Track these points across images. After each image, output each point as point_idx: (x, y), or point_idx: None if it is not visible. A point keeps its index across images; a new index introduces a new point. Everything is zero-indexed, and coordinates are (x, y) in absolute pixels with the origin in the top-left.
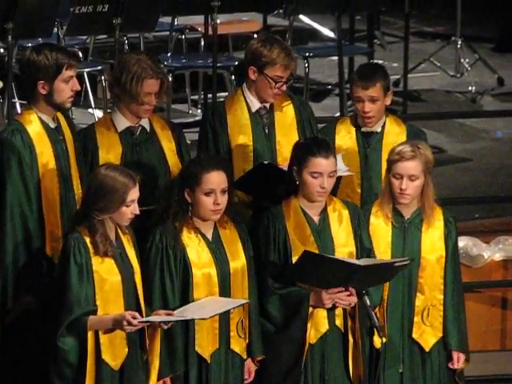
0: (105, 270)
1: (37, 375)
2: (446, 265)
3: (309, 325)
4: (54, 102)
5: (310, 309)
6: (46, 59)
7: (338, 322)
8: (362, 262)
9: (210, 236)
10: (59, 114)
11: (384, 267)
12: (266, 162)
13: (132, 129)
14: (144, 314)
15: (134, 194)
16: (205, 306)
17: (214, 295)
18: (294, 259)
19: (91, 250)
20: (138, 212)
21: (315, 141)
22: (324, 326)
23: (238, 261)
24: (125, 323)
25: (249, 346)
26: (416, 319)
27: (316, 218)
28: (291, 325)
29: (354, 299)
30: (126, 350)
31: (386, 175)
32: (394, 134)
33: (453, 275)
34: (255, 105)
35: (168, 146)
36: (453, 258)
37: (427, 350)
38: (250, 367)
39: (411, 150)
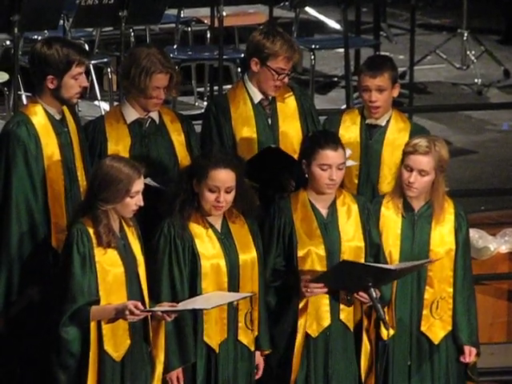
0: (108, 261)
1: (41, 367)
2: (456, 258)
3: (303, 319)
4: (60, 97)
5: (312, 301)
6: (56, 54)
7: (343, 316)
8: (395, 265)
9: (218, 227)
10: (64, 106)
11: (413, 268)
12: (273, 146)
13: (141, 121)
14: (147, 306)
15: (139, 185)
16: (210, 298)
17: (223, 286)
18: (300, 252)
19: (94, 241)
20: (142, 203)
21: (323, 133)
22: (326, 320)
23: (248, 253)
24: (127, 312)
25: (257, 338)
26: (425, 312)
27: (324, 212)
28: (283, 317)
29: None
30: (129, 341)
31: (400, 167)
32: (397, 129)
33: (463, 269)
34: (257, 96)
35: (177, 138)
36: (463, 252)
37: (436, 342)
38: (259, 362)
39: (427, 145)
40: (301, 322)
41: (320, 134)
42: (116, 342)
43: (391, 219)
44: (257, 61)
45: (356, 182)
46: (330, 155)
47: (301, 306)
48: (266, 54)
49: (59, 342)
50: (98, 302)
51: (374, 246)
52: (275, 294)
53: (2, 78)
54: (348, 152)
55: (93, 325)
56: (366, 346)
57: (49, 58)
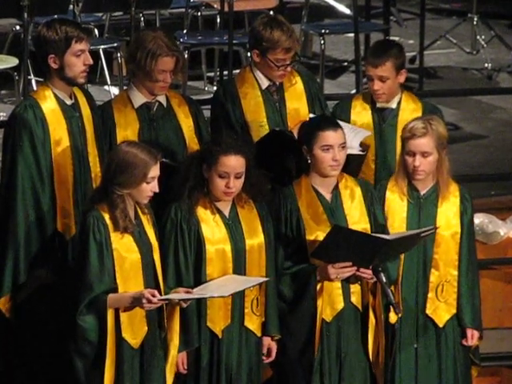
0: (124, 248)
1: (52, 350)
2: (461, 241)
3: (319, 302)
4: (66, 77)
5: (324, 285)
6: (55, 33)
7: (354, 298)
8: (390, 235)
9: (227, 212)
10: (78, 91)
11: (410, 238)
12: (277, 129)
13: (149, 105)
14: (162, 292)
15: (155, 171)
16: (224, 284)
17: (228, 271)
18: (308, 238)
19: (110, 227)
20: (157, 190)
21: (321, 117)
22: (340, 304)
23: (255, 238)
24: (144, 301)
25: (265, 324)
26: (430, 295)
27: (328, 196)
28: (302, 302)
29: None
30: (146, 328)
31: (401, 152)
32: (409, 110)
33: (467, 252)
34: (265, 82)
35: (185, 121)
36: (468, 235)
37: (441, 326)
38: (271, 346)
39: (423, 126)
40: (319, 303)
41: (318, 118)
42: (133, 329)
43: (396, 203)
44: (258, 52)
45: (373, 167)
46: (331, 135)
47: (318, 288)
48: (264, 46)
49: (77, 330)
50: (115, 289)
51: (379, 227)
52: (290, 281)
53: (12, 62)
54: (367, 133)
55: (110, 313)
56: (372, 323)
57: (48, 38)
